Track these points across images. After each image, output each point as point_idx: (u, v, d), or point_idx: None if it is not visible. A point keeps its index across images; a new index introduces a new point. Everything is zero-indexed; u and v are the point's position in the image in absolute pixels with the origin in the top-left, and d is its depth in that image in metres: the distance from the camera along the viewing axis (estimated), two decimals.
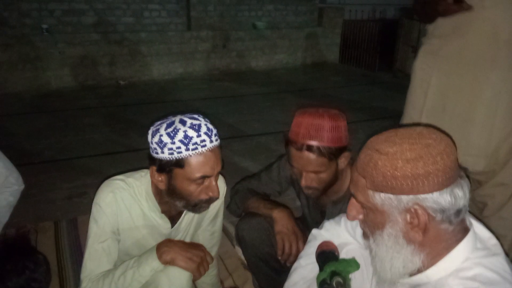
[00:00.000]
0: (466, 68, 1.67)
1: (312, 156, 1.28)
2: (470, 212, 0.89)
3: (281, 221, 1.49)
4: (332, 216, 1.38)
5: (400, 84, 6.84)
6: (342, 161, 1.37)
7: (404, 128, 0.85)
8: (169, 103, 5.18)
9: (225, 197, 1.46)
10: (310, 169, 1.31)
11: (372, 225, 0.88)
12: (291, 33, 7.53)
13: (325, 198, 1.49)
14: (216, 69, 6.93)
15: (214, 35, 6.74)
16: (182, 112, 1.18)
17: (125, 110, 4.81)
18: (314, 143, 1.27)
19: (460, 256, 0.82)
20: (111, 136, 3.92)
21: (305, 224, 1.66)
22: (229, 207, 1.73)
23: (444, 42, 1.72)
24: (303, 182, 1.35)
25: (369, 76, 7.30)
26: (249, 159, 3.49)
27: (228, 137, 4.00)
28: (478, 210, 1.90)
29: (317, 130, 1.28)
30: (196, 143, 1.07)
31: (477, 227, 0.88)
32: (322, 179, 1.35)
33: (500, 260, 0.83)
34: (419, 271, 0.85)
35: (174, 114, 1.16)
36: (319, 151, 1.28)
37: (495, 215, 1.82)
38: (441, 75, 1.75)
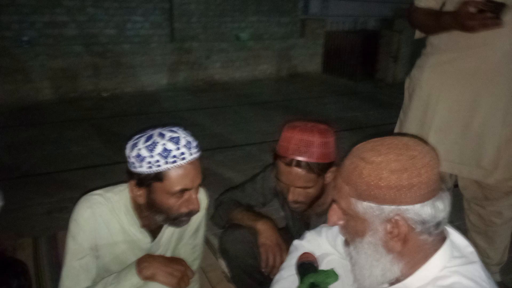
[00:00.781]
0: (482, 84, 1.62)
1: (301, 172, 1.29)
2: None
3: (265, 233, 1.49)
4: (316, 227, 1.39)
5: (382, 93, 6.97)
6: (329, 176, 1.37)
7: (390, 137, 0.86)
8: (152, 114, 5.15)
9: (208, 209, 1.45)
10: (298, 184, 1.32)
11: (352, 232, 0.88)
12: (274, 44, 7.60)
13: (310, 210, 1.50)
14: (200, 80, 6.93)
15: (197, 46, 6.75)
16: (165, 124, 1.17)
17: (107, 123, 4.76)
18: (304, 159, 1.28)
19: (437, 265, 0.83)
20: (93, 149, 3.86)
21: (289, 235, 1.65)
22: (213, 218, 1.72)
23: (458, 56, 1.65)
24: (290, 197, 1.35)
25: (351, 86, 7.40)
26: (233, 169, 3.48)
27: (212, 148, 3.99)
28: (484, 226, 1.89)
29: (307, 146, 1.28)
30: (175, 156, 1.06)
31: (454, 236, 0.90)
32: (309, 194, 1.36)
33: (476, 268, 0.84)
34: (397, 280, 0.86)
35: (155, 126, 1.15)
36: (309, 168, 1.28)
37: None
38: (454, 90, 1.69)
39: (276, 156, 1.35)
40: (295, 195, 1.35)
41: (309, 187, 1.33)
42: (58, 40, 5.90)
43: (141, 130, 1.15)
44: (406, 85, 2.01)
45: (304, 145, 1.28)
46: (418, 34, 1.83)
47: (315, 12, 9.18)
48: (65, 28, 5.94)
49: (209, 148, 3.98)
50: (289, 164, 1.29)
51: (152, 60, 6.38)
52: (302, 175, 1.30)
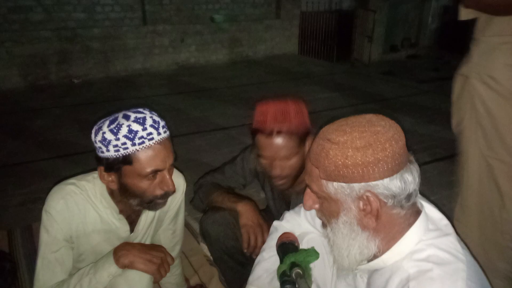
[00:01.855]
0: None
1: (283, 140, 1.30)
2: (421, 193, 0.91)
3: (246, 214, 1.49)
4: (296, 206, 1.39)
5: (357, 73, 7.01)
6: (308, 147, 1.38)
7: (354, 116, 0.87)
8: (127, 100, 5.04)
9: (187, 194, 1.43)
10: (281, 154, 1.32)
11: (327, 214, 0.89)
12: (250, 26, 7.50)
13: (290, 189, 1.50)
14: (174, 64, 6.80)
15: (171, 29, 6.60)
16: (134, 106, 1.13)
17: (80, 110, 4.63)
18: (283, 127, 1.28)
19: (413, 238, 0.84)
20: (66, 138, 3.76)
21: (270, 216, 1.66)
22: (193, 202, 1.70)
23: None
24: (276, 172, 1.35)
25: (328, 67, 7.42)
26: (212, 153, 3.46)
27: (191, 132, 3.95)
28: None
29: (284, 114, 1.29)
30: (142, 137, 1.02)
31: (428, 209, 0.91)
32: (293, 166, 1.36)
33: (451, 240, 0.85)
34: (375, 256, 0.87)
35: (120, 110, 1.11)
36: (289, 134, 1.29)
37: None
38: None
39: (255, 131, 1.34)
40: (280, 168, 1.35)
41: (292, 156, 1.33)
42: (25, 25, 5.65)
43: (106, 115, 1.10)
44: (461, 86, 1.56)
45: (281, 114, 1.29)
46: (467, 14, 1.46)
47: None
48: (31, 13, 5.69)
49: (187, 132, 3.93)
50: (269, 134, 1.29)
51: (124, 44, 6.21)
52: (284, 144, 1.30)
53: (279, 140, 1.30)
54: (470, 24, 1.55)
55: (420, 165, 0.85)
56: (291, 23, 8.04)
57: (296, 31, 8.16)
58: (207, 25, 7.03)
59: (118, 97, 5.17)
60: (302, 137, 1.33)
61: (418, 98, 5.44)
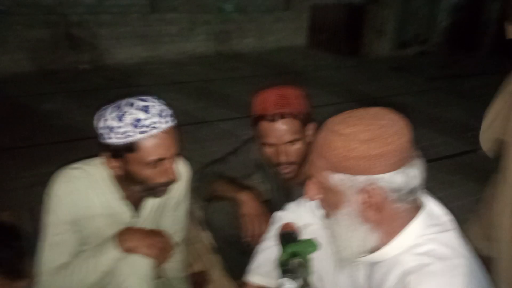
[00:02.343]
0: None
1: (287, 123, 1.31)
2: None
3: (247, 203, 1.50)
4: (298, 197, 1.40)
5: (366, 68, 6.97)
6: (310, 134, 1.39)
7: (360, 109, 0.87)
8: (133, 87, 5.04)
9: (190, 182, 1.44)
10: (287, 138, 1.32)
11: (330, 205, 0.89)
12: (259, 17, 7.45)
13: (291, 180, 1.51)
14: (182, 53, 6.79)
15: (179, 18, 6.58)
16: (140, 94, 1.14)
17: (87, 96, 4.65)
18: (285, 110, 1.29)
19: (414, 233, 0.85)
20: (74, 123, 3.78)
21: (272, 207, 1.67)
22: (196, 191, 1.71)
23: None
24: (282, 158, 1.35)
25: (337, 60, 7.37)
26: (216, 144, 3.47)
27: (196, 122, 3.96)
28: None
29: (284, 98, 1.31)
30: (146, 125, 1.03)
31: (431, 205, 0.91)
32: (299, 151, 1.36)
33: (452, 236, 0.86)
34: (376, 249, 0.88)
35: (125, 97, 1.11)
36: (293, 116, 1.31)
37: None
38: None
39: (258, 119, 1.34)
40: (286, 154, 1.35)
41: (297, 140, 1.34)
42: (34, 9, 5.66)
43: (113, 101, 1.11)
44: None
45: (282, 98, 1.31)
46: None
47: None
48: None
49: (193, 122, 3.94)
50: (272, 119, 1.30)
51: (132, 31, 6.20)
52: (288, 127, 1.31)
53: (283, 124, 1.31)
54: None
55: (427, 162, 0.85)
56: (300, 15, 7.98)
57: (305, 24, 8.10)
58: (215, 15, 6.99)
59: (124, 85, 5.18)
60: (304, 120, 1.34)
61: (426, 95, 5.41)
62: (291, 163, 1.38)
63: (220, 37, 7.10)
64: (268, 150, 1.38)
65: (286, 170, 1.40)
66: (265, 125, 1.33)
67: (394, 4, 7.75)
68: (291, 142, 1.34)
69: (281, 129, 1.31)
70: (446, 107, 4.86)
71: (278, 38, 7.82)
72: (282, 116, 1.30)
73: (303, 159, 1.40)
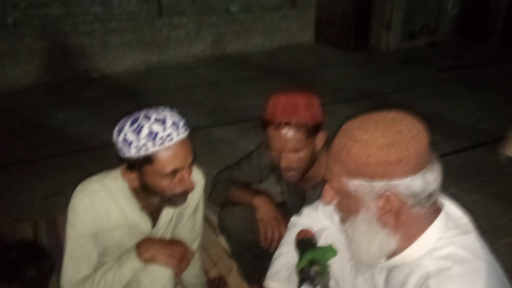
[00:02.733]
0: None
1: (290, 133, 1.31)
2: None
3: (263, 208, 1.51)
4: (312, 200, 1.40)
5: (375, 62, 6.91)
6: (319, 142, 1.40)
7: (377, 113, 0.86)
8: (144, 93, 5.10)
9: (205, 189, 1.46)
10: (289, 147, 1.33)
11: (346, 210, 0.89)
12: (265, 16, 7.45)
13: (304, 183, 1.52)
14: (191, 57, 6.83)
15: (186, 21, 6.62)
16: (153, 105, 1.15)
17: (99, 104, 4.71)
18: (291, 119, 1.30)
19: (433, 236, 0.84)
20: (86, 132, 3.84)
21: (286, 210, 1.67)
22: (211, 197, 1.73)
23: None
24: (282, 164, 1.36)
25: (345, 56, 7.33)
26: (229, 146, 3.48)
27: (208, 125, 3.98)
28: None
29: (292, 107, 1.31)
30: (162, 138, 1.05)
31: (449, 207, 0.91)
32: (301, 159, 1.37)
33: (471, 238, 0.85)
34: (395, 253, 0.87)
35: (142, 109, 1.13)
36: (297, 127, 1.30)
37: None
38: None
39: (265, 124, 1.36)
40: (287, 161, 1.36)
41: (300, 149, 1.34)
42: (44, 20, 5.75)
43: (128, 113, 1.13)
44: None
45: (290, 106, 1.31)
46: None
47: None
48: (50, 8, 5.77)
49: (204, 125, 3.96)
50: (277, 127, 1.31)
51: (141, 37, 6.26)
52: (291, 136, 1.31)
53: (287, 132, 1.31)
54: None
55: (439, 157, 0.85)
56: (307, 12, 7.95)
57: (312, 20, 8.07)
58: (222, 17, 7.01)
59: (136, 91, 5.24)
60: (311, 130, 1.34)
61: (437, 87, 5.34)
62: (291, 169, 1.39)
63: (227, 38, 7.12)
64: (272, 154, 1.40)
65: (288, 175, 1.41)
66: (270, 130, 1.34)
67: None
68: (294, 150, 1.34)
69: (284, 137, 1.32)
70: (457, 99, 4.80)
71: (286, 36, 7.81)
72: (287, 124, 1.30)
73: (307, 165, 1.41)
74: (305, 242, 1.04)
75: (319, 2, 8.10)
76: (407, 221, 0.83)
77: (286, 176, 1.43)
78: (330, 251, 0.99)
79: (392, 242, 0.86)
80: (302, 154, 1.36)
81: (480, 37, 8.65)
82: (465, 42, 8.42)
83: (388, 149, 0.77)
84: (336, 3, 8.00)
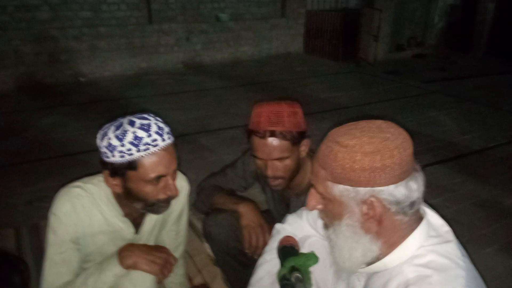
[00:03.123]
0: None
1: (276, 141, 1.32)
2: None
3: (247, 215, 1.50)
4: (296, 208, 1.41)
5: (363, 73, 7.00)
6: (303, 149, 1.41)
7: (364, 121, 0.88)
8: (133, 99, 5.07)
9: (190, 195, 1.45)
10: (275, 155, 1.34)
11: (331, 215, 0.90)
12: (255, 25, 7.51)
13: (289, 191, 1.53)
14: (180, 63, 6.83)
15: (176, 28, 6.63)
16: (140, 111, 1.15)
17: (86, 108, 4.67)
18: (276, 128, 1.31)
19: (414, 244, 0.85)
20: (72, 136, 3.80)
21: (271, 218, 1.67)
22: (196, 204, 1.72)
23: None
24: (269, 172, 1.37)
25: (333, 66, 7.40)
26: (216, 153, 3.47)
27: (195, 131, 3.97)
28: None
29: (277, 116, 1.32)
30: (147, 143, 1.04)
31: (431, 215, 0.92)
32: (287, 167, 1.38)
33: (452, 246, 0.86)
34: (376, 259, 0.88)
35: (126, 114, 1.12)
36: (282, 136, 1.31)
37: None
38: None
39: (250, 132, 1.37)
40: (274, 169, 1.37)
41: (285, 157, 1.35)
42: (32, 24, 5.70)
43: (112, 118, 1.12)
44: None
45: (274, 115, 1.32)
46: None
47: None
48: (38, 11, 5.74)
49: (192, 132, 3.95)
50: (263, 136, 1.32)
51: (130, 43, 6.25)
52: (277, 145, 1.32)
53: (272, 142, 1.32)
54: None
55: (423, 167, 0.86)
56: (296, 22, 8.03)
57: (301, 30, 8.16)
58: (212, 24, 7.05)
59: (124, 96, 5.21)
60: (296, 139, 1.35)
61: (423, 99, 5.43)
62: (277, 177, 1.39)
63: (217, 45, 7.14)
64: (258, 162, 1.40)
65: (274, 183, 1.42)
66: (256, 139, 1.35)
67: (389, 8, 7.81)
68: (279, 159, 1.35)
69: (270, 146, 1.33)
70: (443, 110, 4.87)
71: (275, 45, 7.87)
72: (272, 134, 1.31)
73: (293, 173, 1.42)
74: (287, 249, 1.04)
75: (309, 12, 8.19)
76: (389, 227, 0.84)
77: (272, 184, 1.43)
78: (312, 258, 0.99)
79: (374, 248, 0.86)
80: (288, 162, 1.37)
81: (466, 49, 8.83)
82: (452, 54, 8.59)
83: (373, 155, 0.78)
84: (325, 13, 8.10)
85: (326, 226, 0.94)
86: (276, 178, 1.40)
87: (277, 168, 1.37)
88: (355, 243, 0.86)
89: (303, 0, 8.11)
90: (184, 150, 3.40)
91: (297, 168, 1.43)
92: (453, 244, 0.87)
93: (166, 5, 6.72)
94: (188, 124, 4.16)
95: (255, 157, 1.39)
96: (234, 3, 7.49)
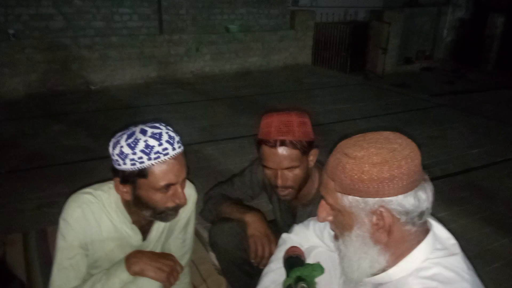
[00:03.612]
0: None
1: (286, 150, 1.33)
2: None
3: (254, 224, 1.51)
4: (302, 218, 1.41)
5: (371, 85, 7.01)
6: (312, 159, 1.42)
7: (372, 132, 0.89)
8: (142, 107, 5.12)
9: (197, 204, 1.47)
10: (285, 165, 1.35)
11: (341, 226, 0.90)
12: (264, 36, 7.58)
13: (296, 201, 1.53)
14: (189, 73, 6.90)
15: (186, 38, 6.71)
16: (147, 120, 1.17)
17: (96, 116, 4.73)
18: (286, 137, 1.32)
19: (420, 256, 0.86)
20: (82, 143, 3.84)
21: (277, 228, 1.68)
22: (202, 213, 1.73)
23: None
24: (279, 182, 1.38)
25: (341, 78, 7.43)
26: (223, 163, 3.49)
27: (203, 140, 3.99)
28: None
29: (287, 126, 1.34)
30: (158, 152, 1.06)
31: (437, 228, 0.92)
32: (296, 177, 1.39)
33: (458, 259, 0.86)
34: (382, 270, 0.88)
35: (138, 123, 1.15)
36: (293, 145, 1.33)
37: None
38: None
39: (260, 142, 1.38)
40: (284, 179, 1.38)
41: (295, 167, 1.36)
42: (45, 32, 5.82)
43: (124, 127, 1.15)
44: None
45: (284, 125, 1.34)
46: None
47: (305, 3, 9.16)
48: (52, 21, 5.86)
49: (199, 141, 3.98)
50: (273, 145, 1.33)
51: (141, 52, 6.33)
52: (287, 154, 1.34)
53: (282, 151, 1.33)
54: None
55: (431, 180, 0.86)
56: (305, 34, 8.10)
57: (310, 42, 8.21)
58: (222, 35, 7.13)
59: (133, 105, 5.26)
60: (305, 148, 1.37)
61: (431, 112, 5.42)
62: (287, 187, 1.41)
63: (226, 56, 7.21)
64: (268, 172, 1.41)
65: (283, 193, 1.43)
66: (266, 149, 1.36)
67: (398, 21, 7.84)
68: (289, 168, 1.36)
69: (281, 155, 1.34)
70: (450, 124, 4.86)
71: (284, 57, 7.93)
72: (283, 143, 1.33)
73: (303, 183, 1.43)
74: (293, 259, 1.04)
75: (317, 24, 8.26)
76: (398, 238, 0.85)
77: (282, 194, 1.44)
78: (317, 268, 0.99)
79: (382, 260, 0.87)
80: (298, 172, 1.38)
81: (475, 63, 8.83)
82: (460, 68, 8.58)
83: (381, 166, 0.79)
84: (334, 26, 8.16)
85: (336, 237, 0.95)
86: (286, 188, 1.40)
87: (286, 178, 1.38)
88: (364, 254, 0.87)
89: (312, 12, 8.18)
90: (191, 158, 3.42)
91: (306, 178, 1.44)
92: (459, 257, 0.87)
93: (177, 16, 6.82)
94: (196, 133, 4.19)
95: (265, 167, 1.40)
96: (244, 14, 7.58)
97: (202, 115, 4.86)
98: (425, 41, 9.13)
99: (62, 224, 1.17)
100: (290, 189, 1.42)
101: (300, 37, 8.04)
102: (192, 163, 3.31)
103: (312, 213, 1.42)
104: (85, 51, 5.88)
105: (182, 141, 1.16)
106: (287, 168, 1.36)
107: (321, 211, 0.94)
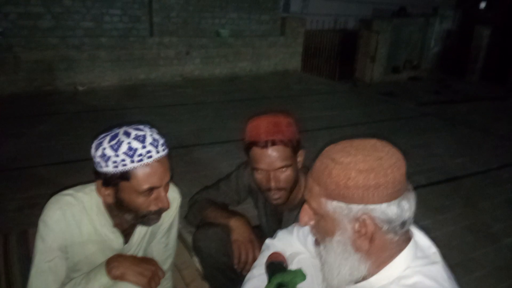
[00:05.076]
0: None
1: (277, 150, 1.33)
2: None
3: (238, 229, 1.50)
4: (288, 223, 1.41)
5: (359, 93, 7.07)
6: (299, 160, 1.43)
7: (359, 139, 0.89)
8: (130, 109, 5.08)
9: (182, 208, 1.45)
10: (277, 165, 1.35)
11: (323, 231, 0.90)
12: (254, 42, 7.60)
13: (282, 205, 1.53)
14: (179, 76, 6.88)
15: (177, 41, 6.70)
16: (137, 122, 1.16)
17: (83, 117, 4.68)
18: (277, 137, 1.33)
19: (401, 264, 0.86)
20: (67, 144, 3.79)
21: (262, 233, 1.67)
22: (187, 217, 1.72)
23: None
24: (272, 184, 1.37)
25: (330, 85, 7.48)
26: (210, 166, 3.48)
27: (190, 144, 3.98)
28: None
29: (276, 126, 1.35)
30: (141, 155, 1.04)
31: (418, 236, 0.93)
32: (289, 177, 1.39)
33: (438, 268, 0.87)
34: (363, 278, 0.88)
35: (122, 125, 1.13)
36: (284, 143, 1.34)
37: None
38: None
39: (250, 145, 1.37)
40: (276, 180, 1.37)
41: (288, 166, 1.37)
42: (33, 32, 5.75)
43: (107, 129, 1.13)
44: None
45: (273, 125, 1.35)
46: None
47: (295, 10, 9.24)
48: (40, 20, 5.79)
49: (187, 144, 3.96)
50: (265, 146, 1.33)
51: (130, 54, 6.29)
52: (279, 153, 1.34)
53: (274, 151, 1.34)
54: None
55: (415, 188, 0.87)
56: (295, 40, 8.15)
57: (300, 49, 8.27)
58: (212, 39, 7.13)
59: (122, 106, 5.22)
60: (295, 148, 1.38)
61: (417, 121, 5.48)
62: (280, 189, 1.40)
63: (216, 60, 7.22)
64: (259, 176, 1.41)
65: (276, 196, 1.42)
66: (256, 151, 1.36)
67: (386, 31, 7.95)
68: (281, 168, 1.36)
69: (272, 155, 1.34)
70: (435, 133, 4.92)
71: (273, 63, 7.96)
72: (274, 143, 1.33)
73: (293, 185, 1.43)
74: (275, 265, 1.04)
75: (308, 31, 8.32)
76: (379, 247, 0.85)
77: (274, 198, 1.43)
78: (299, 275, 0.99)
79: (363, 268, 0.87)
80: (289, 172, 1.38)
81: (461, 74, 8.97)
82: (446, 78, 8.72)
83: (367, 173, 0.80)
84: (323, 33, 8.24)
85: (317, 243, 0.95)
86: (279, 189, 1.40)
87: (279, 179, 1.38)
88: (344, 261, 0.87)
89: (303, 19, 8.24)
90: (178, 162, 3.40)
91: (296, 180, 1.44)
92: (439, 266, 0.88)
93: (167, 19, 6.80)
94: (183, 136, 4.17)
95: (256, 170, 1.40)
96: (235, 19, 7.60)
97: (190, 119, 4.84)
98: (413, 51, 9.25)
99: (41, 226, 1.14)
100: (283, 191, 1.41)
101: (290, 44, 8.09)
102: (178, 167, 3.30)
103: (297, 218, 1.42)
104: (73, 51, 5.82)
105: (169, 144, 1.15)
106: (279, 168, 1.36)
107: (303, 215, 0.93)
